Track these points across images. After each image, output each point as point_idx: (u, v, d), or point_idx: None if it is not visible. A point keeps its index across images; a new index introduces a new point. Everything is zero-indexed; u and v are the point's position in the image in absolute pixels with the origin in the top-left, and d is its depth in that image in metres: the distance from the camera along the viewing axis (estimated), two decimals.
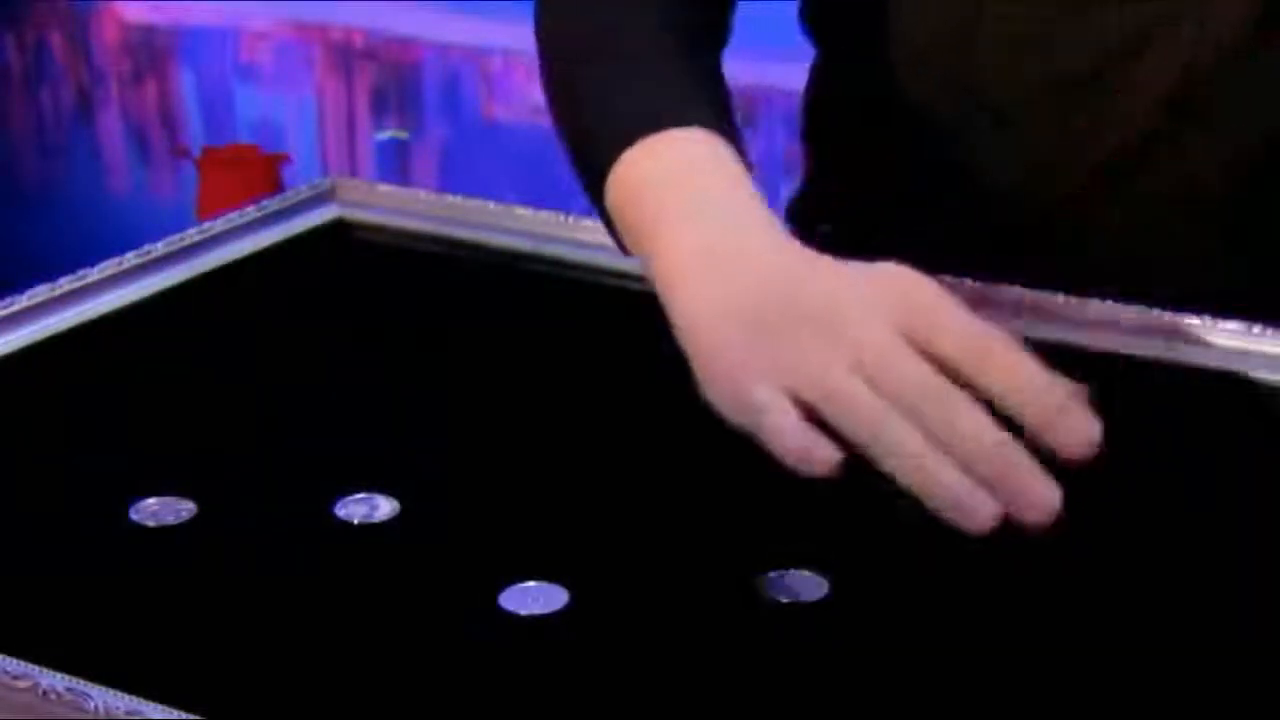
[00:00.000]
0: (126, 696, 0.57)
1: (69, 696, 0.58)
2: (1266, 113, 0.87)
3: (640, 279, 0.73)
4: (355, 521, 0.70)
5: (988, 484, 0.62)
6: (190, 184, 2.80)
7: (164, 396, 0.80)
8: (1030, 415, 0.62)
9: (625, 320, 0.79)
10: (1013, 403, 0.62)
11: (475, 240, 0.97)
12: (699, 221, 0.71)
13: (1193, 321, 0.83)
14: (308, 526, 0.70)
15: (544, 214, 0.95)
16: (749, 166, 0.74)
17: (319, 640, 0.63)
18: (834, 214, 1.01)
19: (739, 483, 0.69)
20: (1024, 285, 0.86)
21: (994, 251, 0.91)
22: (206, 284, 0.92)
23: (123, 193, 3.06)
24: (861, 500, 0.64)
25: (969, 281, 0.86)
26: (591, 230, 0.89)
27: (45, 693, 0.58)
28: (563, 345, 0.85)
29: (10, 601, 0.65)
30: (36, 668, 0.59)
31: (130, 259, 0.91)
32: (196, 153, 2.82)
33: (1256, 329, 0.82)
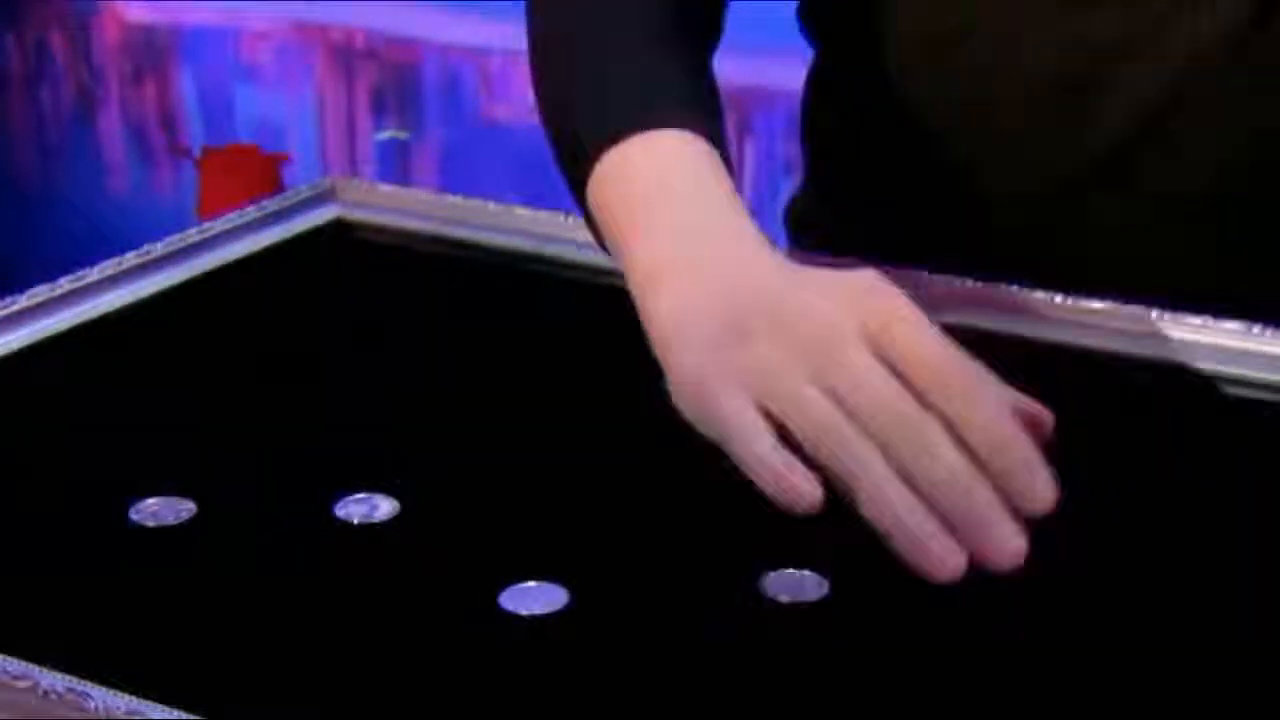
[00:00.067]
0: (127, 696, 0.57)
1: (69, 696, 0.58)
2: (1263, 112, 0.87)
3: None
4: (355, 521, 0.70)
5: (950, 522, 0.61)
6: (190, 184, 2.79)
7: (164, 396, 0.80)
8: (987, 459, 0.61)
9: (625, 320, 0.79)
10: (972, 442, 0.61)
11: (475, 240, 0.96)
12: (674, 228, 0.70)
13: (1192, 321, 0.83)
14: (308, 526, 0.70)
15: (544, 214, 0.95)
16: (731, 169, 0.74)
17: (319, 640, 0.63)
18: (833, 214, 1.01)
19: (739, 483, 0.69)
20: (1022, 285, 0.86)
21: (992, 251, 0.91)
22: (206, 284, 0.92)
23: (123, 193, 3.05)
24: None
25: (968, 281, 0.86)
26: None
27: (45, 693, 0.58)
28: (563, 345, 0.85)
29: (10, 601, 0.65)
30: (37, 668, 0.59)
31: (130, 259, 0.91)
32: (196, 153, 2.82)
33: (1256, 329, 0.82)
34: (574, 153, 0.76)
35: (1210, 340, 0.82)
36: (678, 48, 0.80)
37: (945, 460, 0.61)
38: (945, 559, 0.60)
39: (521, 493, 0.72)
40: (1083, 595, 0.65)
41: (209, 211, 2.56)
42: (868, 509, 0.61)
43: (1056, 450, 0.63)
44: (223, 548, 0.68)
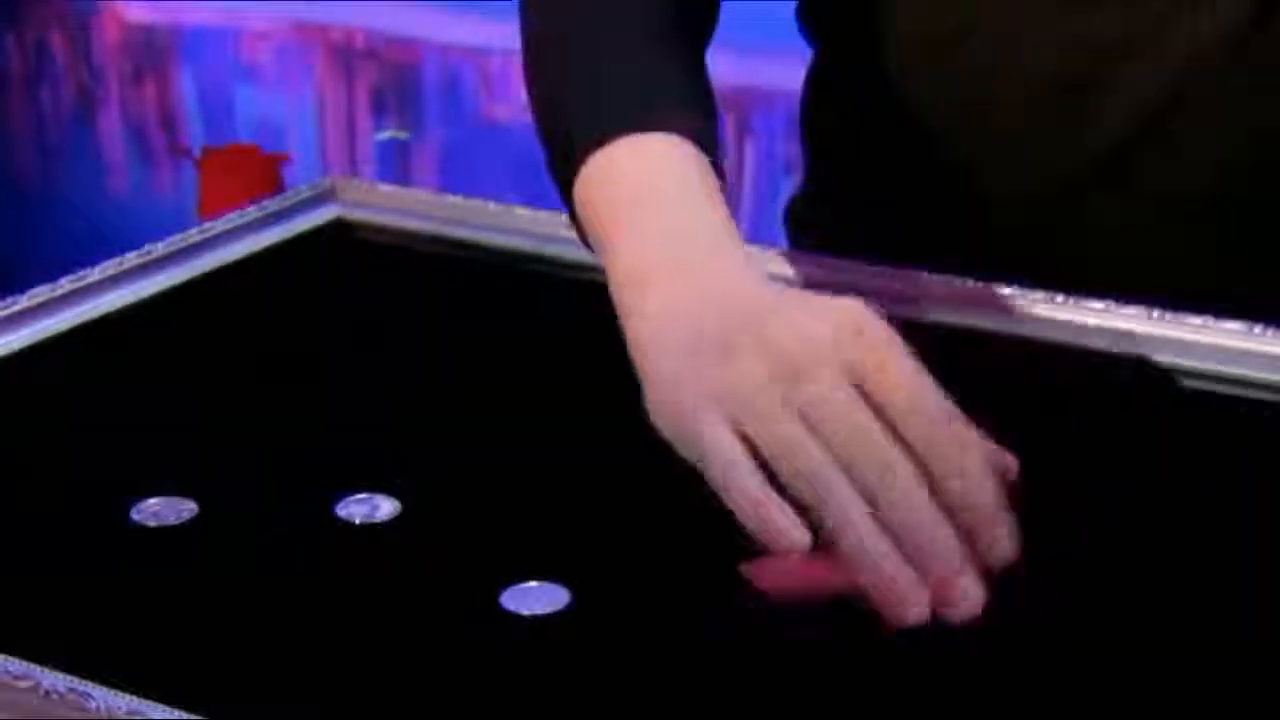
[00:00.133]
0: (128, 696, 0.57)
1: (70, 696, 0.58)
2: (1263, 112, 0.87)
3: None
4: (356, 522, 0.70)
5: (913, 561, 0.61)
6: (190, 184, 2.80)
7: (164, 396, 0.80)
8: (955, 507, 0.61)
9: None
10: (944, 487, 0.61)
11: (475, 240, 0.97)
12: (661, 231, 0.70)
13: (1193, 321, 0.83)
14: (308, 527, 0.70)
15: (544, 214, 0.95)
16: (723, 171, 0.73)
17: (320, 640, 0.63)
18: (833, 214, 1.01)
19: None
20: (1022, 285, 0.86)
21: (992, 251, 0.91)
22: (207, 284, 0.92)
23: (123, 193, 3.05)
24: None
25: (968, 281, 0.86)
26: None
27: (47, 692, 0.58)
28: (563, 345, 0.85)
29: (11, 601, 0.65)
30: (38, 668, 0.59)
31: (130, 259, 0.91)
32: (196, 153, 2.82)
33: (1257, 329, 0.82)
34: (564, 152, 0.76)
35: (1211, 340, 0.82)
36: (675, 48, 0.79)
37: (917, 504, 0.61)
38: (909, 602, 0.60)
39: (523, 493, 0.72)
40: (1082, 595, 0.65)
41: (209, 211, 2.56)
42: (838, 539, 0.61)
43: (1057, 450, 0.63)
44: (224, 548, 0.68)
